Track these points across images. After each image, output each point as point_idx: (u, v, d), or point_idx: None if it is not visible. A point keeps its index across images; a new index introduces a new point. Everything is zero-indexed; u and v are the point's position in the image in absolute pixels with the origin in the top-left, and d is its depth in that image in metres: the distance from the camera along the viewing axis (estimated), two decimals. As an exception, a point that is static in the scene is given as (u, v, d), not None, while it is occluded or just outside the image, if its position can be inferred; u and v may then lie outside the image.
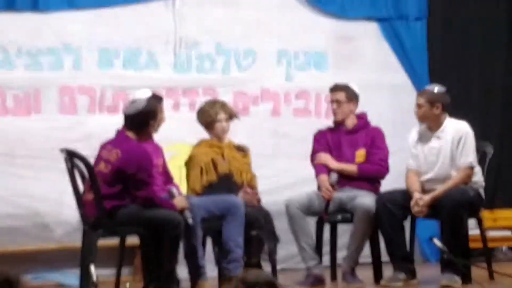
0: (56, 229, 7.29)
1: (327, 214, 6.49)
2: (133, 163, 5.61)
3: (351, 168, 6.52)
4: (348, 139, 6.62)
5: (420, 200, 6.28)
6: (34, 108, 7.33)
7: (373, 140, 6.62)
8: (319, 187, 6.52)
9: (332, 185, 6.44)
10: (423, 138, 6.55)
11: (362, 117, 6.72)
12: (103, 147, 5.79)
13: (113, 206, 5.64)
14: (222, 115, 6.40)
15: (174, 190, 5.89)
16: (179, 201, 5.79)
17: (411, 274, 6.39)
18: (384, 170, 6.60)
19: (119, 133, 5.81)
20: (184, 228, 5.69)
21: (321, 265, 6.47)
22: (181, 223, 5.64)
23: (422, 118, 6.50)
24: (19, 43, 7.28)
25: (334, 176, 6.49)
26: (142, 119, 5.78)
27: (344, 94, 6.62)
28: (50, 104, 7.38)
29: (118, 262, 6.21)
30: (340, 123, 6.65)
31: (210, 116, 6.40)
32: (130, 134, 5.79)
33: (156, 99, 5.89)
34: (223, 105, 6.48)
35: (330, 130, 6.74)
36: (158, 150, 6.07)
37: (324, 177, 6.47)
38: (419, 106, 6.48)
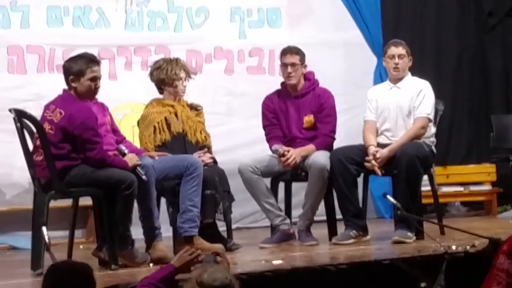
0: (6, 191, 7.19)
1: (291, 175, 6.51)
2: (76, 123, 5.47)
3: (311, 148, 6.45)
4: (295, 104, 6.55)
5: (377, 153, 6.28)
6: (-19, 67, 7.19)
7: (322, 106, 6.54)
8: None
9: (282, 154, 6.39)
10: (383, 88, 6.58)
11: (309, 78, 6.63)
12: (47, 107, 5.65)
13: (64, 167, 5.54)
14: (183, 74, 6.30)
15: (123, 147, 5.79)
16: (129, 159, 5.69)
17: (363, 230, 6.40)
18: (333, 140, 6.56)
19: (64, 93, 5.67)
20: (139, 188, 5.61)
21: (287, 221, 6.45)
22: (134, 183, 5.56)
23: (402, 69, 6.48)
24: (-36, 0, 7.11)
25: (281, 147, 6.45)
26: (67, 79, 5.62)
27: (298, 57, 6.53)
28: (-1, 64, 7.25)
29: (72, 223, 6.12)
30: (291, 86, 6.56)
31: (172, 75, 6.27)
32: (74, 93, 5.65)
33: (85, 59, 5.68)
34: (182, 65, 6.37)
35: (277, 94, 6.63)
36: (104, 108, 5.93)
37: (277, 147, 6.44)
38: (400, 56, 6.48)
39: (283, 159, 6.39)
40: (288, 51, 6.56)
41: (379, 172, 6.31)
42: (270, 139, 6.58)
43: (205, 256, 4.16)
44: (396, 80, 6.54)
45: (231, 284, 3.56)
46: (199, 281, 3.57)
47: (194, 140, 6.33)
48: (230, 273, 3.71)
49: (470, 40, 8.95)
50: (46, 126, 5.55)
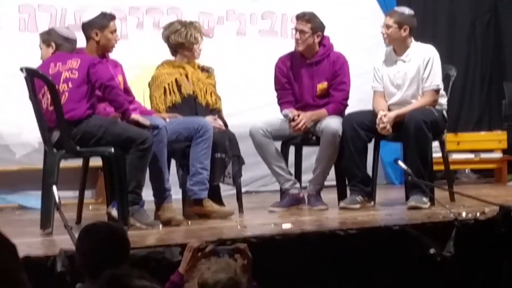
0: (16, 150, 7.18)
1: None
2: (92, 68, 5.51)
3: (322, 113, 6.42)
4: (309, 71, 6.49)
5: (384, 116, 6.25)
6: (-7, 26, 7.16)
7: (336, 73, 6.48)
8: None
9: (292, 119, 6.35)
10: (388, 61, 6.48)
11: (324, 44, 6.55)
12: (48, 66, 5.61)
13: (81, 118, 5.51)
14: (199, 37, 6.25)
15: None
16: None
17: (368, 196, 6.37)
18: (345, 107, 6.52)
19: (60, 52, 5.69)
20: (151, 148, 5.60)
21: (297, 185, 6.44)
22: (150, 140, 5.53)
23: (389, 39, 6.41)
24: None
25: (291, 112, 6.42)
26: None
27: (309, 25, 6.44)
28: (10, 22, 7.20)
29: (81, 184, 6.13)
30: (301, 52, 6.50)
31: (191, 40, 6.20)
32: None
33: (106, 14, 5.80)
34: (197, 27, 6.30)
35: (291, 57, 6.56)
36: (116, 66, 5.93)
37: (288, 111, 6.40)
38: (387, 26, 6.38)
39: (293, 123, 6.36)
40: (300, 17, 6.48)
41: (387, 132, 6.26)
42: (281, 104, 6.54)
43: (219, 249, 3.68)
44: (398, 50, 6.44)
45: (237, 283, 3.33)
46: (200, 282, 3.36)
47: (204, 102, 6.31)
48: (241, 271, 3.43)
49: (484, 6, 8.86)
50: (67, 74, 5.54)
